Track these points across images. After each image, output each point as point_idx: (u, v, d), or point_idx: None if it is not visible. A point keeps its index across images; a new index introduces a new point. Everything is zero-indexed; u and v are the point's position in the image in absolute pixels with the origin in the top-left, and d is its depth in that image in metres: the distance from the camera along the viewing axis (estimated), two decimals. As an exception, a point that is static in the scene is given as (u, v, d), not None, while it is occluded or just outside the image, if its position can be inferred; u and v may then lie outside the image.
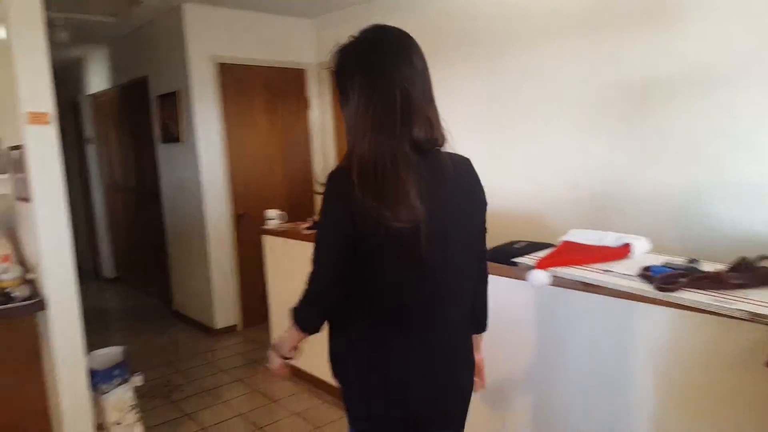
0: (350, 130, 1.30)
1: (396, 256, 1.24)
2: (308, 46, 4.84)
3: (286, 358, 1.46)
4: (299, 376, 3.41)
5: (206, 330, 4.53)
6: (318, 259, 1.30)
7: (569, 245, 2.13)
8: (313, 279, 1.32)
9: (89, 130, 6.45)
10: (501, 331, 2.20)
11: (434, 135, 1.28)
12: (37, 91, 2.38)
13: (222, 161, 4.38)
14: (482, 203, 1.42)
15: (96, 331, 4.73)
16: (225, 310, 4.50)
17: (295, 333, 1.38)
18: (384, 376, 1.32)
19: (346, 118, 1.32)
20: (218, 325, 4.46)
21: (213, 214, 4.36)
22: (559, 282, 1.97)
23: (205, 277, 4.43)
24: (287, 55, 4.72)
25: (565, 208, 3.19)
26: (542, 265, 1.99)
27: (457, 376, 1.41)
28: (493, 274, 2.19)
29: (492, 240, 2.62)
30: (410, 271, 1.27)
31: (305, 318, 1.36)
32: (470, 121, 3.66)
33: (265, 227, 3.56)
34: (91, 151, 6.48)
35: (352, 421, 1.41)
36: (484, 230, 1.48)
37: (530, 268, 2.01)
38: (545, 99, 3.26)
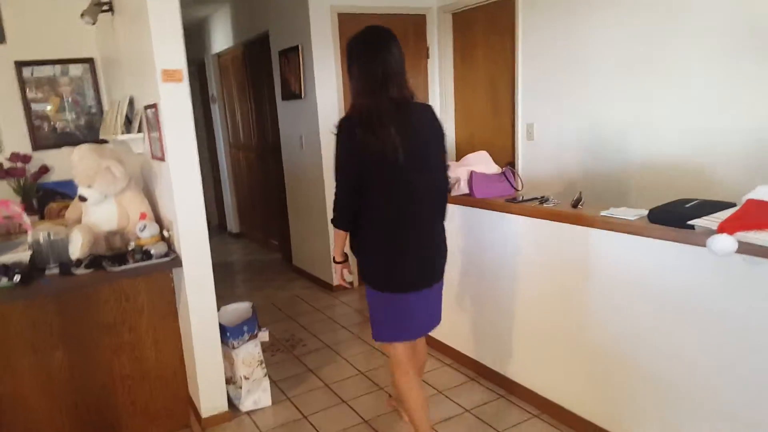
0: (353, 93, 2.07)
1: (384, 170, 1.95)
2: (428, -11, 4.56)
3: (339, 262, 2.22)
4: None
5: (326, 286, 4.59)
6: (338, 178, 2.04)
7: (758, 204, 1.77)
8: (337, 193, 2.05)
9: (214, 88, 6.68)
10: (677, 309, 1.93)
11: (404, 94, 2.03)
12: (170, 49, 2.39)
13: (339, 116, 4.30)
14: (439, 131, 2.12)
15: (222, 286, 4.99)
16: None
17: (336, 234, 2.14)
18: (383, 255, 2.07)
19: (351, 85, 2.07)
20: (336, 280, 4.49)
21: (332, 171, 4.32)
22: (749, 249, 1.65)
23: (324, 233, 4.46)
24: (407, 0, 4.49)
25: (740, 161, 2.75)
26: (727, 228, 1.67)
27: (433, 254, 2.14)
28: (658, 237, 1.90)
29: (653, 198, 2.35)
30: (394, 180, 1.97)
31: (336, 219, 2.09)
32: (610, 63, 3.26)
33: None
34: (216, 110, 6.73)
35: (365, 280, 2.16)
36: (444, 151, 2.15)
37: (711, 232, 1.71)
38: (705, 31, 2.79)
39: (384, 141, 1.91)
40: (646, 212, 2.07)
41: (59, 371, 2.47)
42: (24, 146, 3.73)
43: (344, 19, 4.25)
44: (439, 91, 4.72)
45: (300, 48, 4.30)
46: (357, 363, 3.20)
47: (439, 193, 2.12)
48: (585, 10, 3.38)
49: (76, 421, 2.54)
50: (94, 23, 2.98)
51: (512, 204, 2.60)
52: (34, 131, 3.79)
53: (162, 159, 2.51)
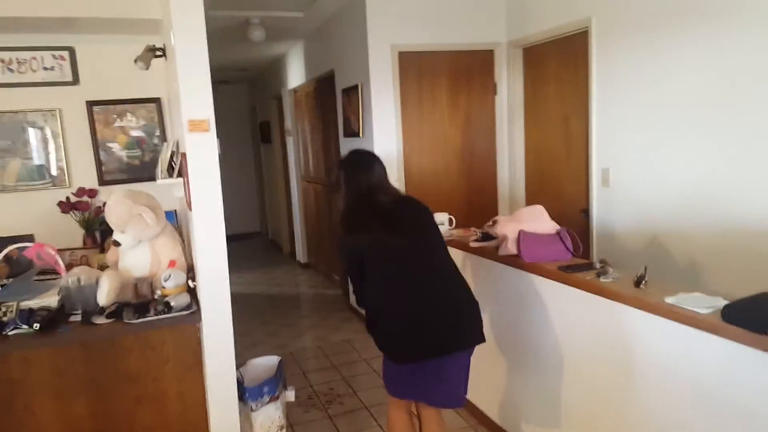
0: (344, 203, 2.36)
1: (380, 256, 2.20)
2: (497, 23, 4.31)
3: None
4: (467, 410, 3.03)
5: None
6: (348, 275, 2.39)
7: None
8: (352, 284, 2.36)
9: (289, 122, 6.79)
10: (742, 421, 1.56)
11: (390, 196, 2.30)
12: (197, 99, 2.33)
13: (397, 157, 4.15)
14: (426, 212, 2.33)
15: (278, 321, 4.96)
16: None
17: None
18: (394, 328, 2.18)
19: (341, 198, 2.40)
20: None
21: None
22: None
23: (379, 277, 4.28)
24: (473, 36, 4.27)
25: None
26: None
27: (460, 314, 2.19)
28: (731, 339, 1.51)
29: (739, 277, 1.95)
30: (391, 261, 2.19)
31: (359, 302, 2.35)
32: (697, 104, 2.86)
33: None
34: (291, 143, 6.82)
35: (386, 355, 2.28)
36: (435, 227, 2.33)
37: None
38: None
39: (371, 233, 2.19)
40: (721, 303, 1.69)
41: (81, 419, 2.45)
42: (91, 181, 3.89)
43: (405, 58, 4.11)
44: (507, 129, 4.43)
45: (360, 87, 4.21)
46: (393, 429, 2.95)
47: (440, 259, 2.26)
48: (667, 43, 2.99)
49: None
50: (147, 68, 3.04)
51: (564, 273, 2.28)
52: (101, 167, 3.95)
53: (189, 207, 2.46)
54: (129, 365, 2.50)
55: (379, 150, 4.10)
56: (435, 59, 4.21)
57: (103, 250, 3.62)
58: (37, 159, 3.84)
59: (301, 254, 6.98)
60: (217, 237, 2.40)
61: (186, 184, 2.59)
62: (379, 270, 2.17)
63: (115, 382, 2.48)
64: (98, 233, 3.89)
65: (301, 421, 3.05)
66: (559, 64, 3.91)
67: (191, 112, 2.32)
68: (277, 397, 2.57)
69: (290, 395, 2.63)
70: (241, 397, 2.52)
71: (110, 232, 3.79)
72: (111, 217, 2.61)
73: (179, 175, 2.84)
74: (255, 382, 2.57)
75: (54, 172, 3.89)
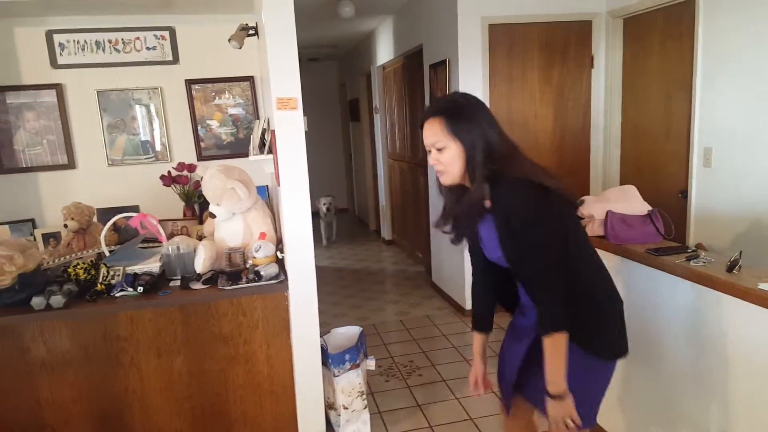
0: (496, 154, 1.58)
1: (582, 230, 1.82)
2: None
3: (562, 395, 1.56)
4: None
5: (459, 309, 4.40)
6: (548, 266, 1.60)
7: None
8: (550, 286, 1.60)
9: (377, 99, 6.84)
10: None
11: None
12: (286, 77, 2.42)
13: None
14: None
15: (361, 295, 5.08)
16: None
17: (558, 349, 1.53)
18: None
19: (484, 144, 1.57)
20: (468, 306, 4.27)
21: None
22: None
23: (459, 254, 4.26)
24: (569, 5, 4.06)
25: None
26: None
27: None
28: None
29: None
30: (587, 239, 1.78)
31: (559, 319, 1.58)
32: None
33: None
34: (378, 120, 6.88)
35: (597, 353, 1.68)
36: None
37: None
38: None
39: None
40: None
41: (179, 376, 2.67)
42: (190, 157, 4.16)
43: (495, 31, 4.00)
44: (604, 106, 4.21)
45: (447, 62, 4.15)
46: (469, 407, 2.97)
47: None
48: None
49: (192, 424, 2.72)
50: (240, 47, 3.17)
51: (652, 256, 2.16)
52: (199, 143, 4.20)
53: (278, 182, 2.56)
54: (222, 328, 2.68)
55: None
56: (527, 31, 4.06)
57: (201, 222, 3.87)
58: (142, 135, 4.15)
59: (385, 231, 7.08)
60: (303, 210, 2.49)
61: (275, 161, 2.70)
62: (587, 249, 1.67)
63: (209, 343, 2.67)
64: (197, 206, 4.16)
65: (381, 389, 3.14)
66: (663, 36, 3.64)
67: (280, 90, 2.40)
68: (358, 365, 2.66)
69: (371, 364, 2.71)
70: (325, 362, 2.63)
71: (208, 205, 4.06)
72: (207, 190, 2.78)
73: (269, 151, 2.97)
74: (338, 349, 2.67)
75: (157, 147, 4.19)
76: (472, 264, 1.87)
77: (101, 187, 4.03)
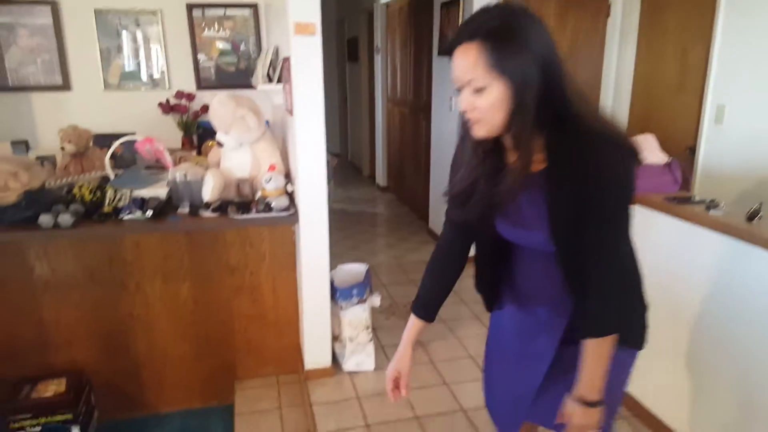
0: (557, 99, 1.12)
1: None
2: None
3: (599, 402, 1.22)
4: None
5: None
6: (620, 246, 1.21)
7: None
8: (620, 270, 1.23)
9: (379, 39, 6.65)
10: None
11: None
12: (305, 1, 2.31)
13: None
14: None
15: (357, 237, 5.09)
16: (476, 240, 4.30)
17: (604, 351, 1.19)
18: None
19: (538, 85, 1.09)
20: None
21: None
22: None
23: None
24: (589, -48, 3.93)
25: None
26: None
27: None
28: None
29: None
30: None
31: (627, 315, 1.30)
32: None
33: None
34: (379, 61, 6.71)
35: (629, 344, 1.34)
36: None
37: None
38: None
39: None
40: None
41: (185, 302, 2.66)
42: (189, 85, 4.03)
43: (512, -29, 3.85)
44: (617, 57, 4.14)
45: (461, 2, 4.02)
46: (469, 345, 3.03)
47: None
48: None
49: (197, 351, 2.73)
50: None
51: (671, 204, 2.17)
52: (198, 72, 4.06)
53: (290, 113, 2.49)
54: (229, 258, 2.66)
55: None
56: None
57: (200, 153, 3.78)
58: (141, 60, 4.00)
59: (381, 177, 7.03)
60: (317, 141, 2.44)
61: (287, 90, 2.62)
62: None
63: (216, 272, 2.66)
64: (196, 137, 4.06)
65: (382, 326, 3.18)
66: (685, -15, 3.55)
67: (298, 15, 2.30)
68: (365, 300, 2.68)
69: (376, 300, 2.73)
70: (332, 296, 2.64)
71: (208, 136, 3.96)
72: (214, 118, 2.70)
73: (279, 80, 2.88)
74: (344, 285, 2.67)
75: (155, 74, 4.05)
76: (444, 228, 1.41)
77: (97, 111, 3.91)
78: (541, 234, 1.17)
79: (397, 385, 1.42)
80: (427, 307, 1.44)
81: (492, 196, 1.18)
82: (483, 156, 1.19)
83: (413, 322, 1.44)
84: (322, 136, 2.44)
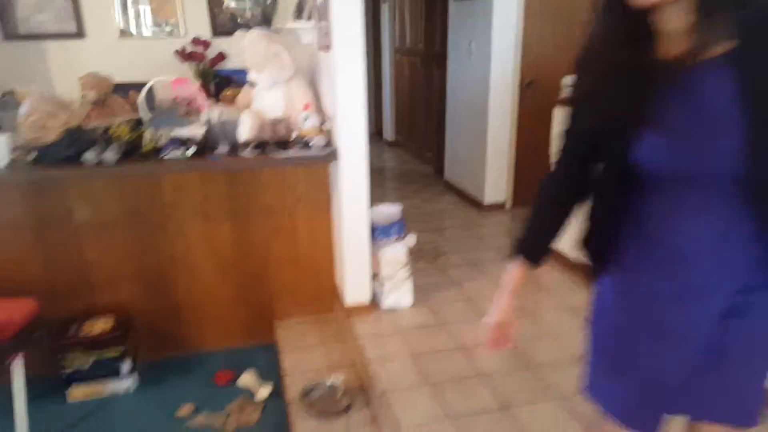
0: None
1: None
2: None
3: None
4: (566, 265, 3.10)
5: (474, 203, 4.46)
6: None
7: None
8: None
9: (385, -12, 6.51)
10: None
11: None
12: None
13: (517, 21, 3.93)
14: None
15: (372, 191, 5.08)
16: (495, 186, 4.32)
17: None
18: None
19: None
20: (487, 200, 4.34)
21: (498, 83, 4.04)
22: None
23: (480, 149, 4.26)
24: None
25: None
26: None
27: None
28: None
29: None
30: None
31: None
32: None
33: (560, 97, 3.12)
34: (386, 10, 6.58)
35: None
36: None
37: None
38: None
39: None
40: None
41: (224, 243, 2.67)
42: (204, 32, 3.95)
43: None
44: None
45: (481, -59, 3.93)
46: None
47: None
48: None
49: (236, 291, 2.77)
50: None
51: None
52: (214, 18, 3.98)
53: (327, 49, 2.46)
54: (267, 199, 2.67)
55: (498, 13, 3.89)
56: None
57: (218, 101, 3.74)
58: (155, 6, 3.91)
59: (389, 132, 6.99)
60: (358, 77, 2.41)
61: (322, 27, 2.58)
62: None
63: (254, 213, 2.67)
64: (213, 85, 4.01)
65: (413, 269, 3.21)
66: None
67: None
68: (402, 239, 2.70)
69: (412, 240, 2.75)
70: (371, 234, 2.66)
71: (225, 85, 3.91)
72: (248, 56, 2.66)
73: (309, 18, 2.83)
74: (381, 224, 2.69)
75: (171, 21, 3.96)
76: (560, 159, 1.16)
77: (112, 59, 3.84)
78: (730, 143, 0.86)
79: (498, 336, 1.29)
80: (536, 248, 1.23)
81: (644, 87, 0.91)
82: (630, 37, 0.92)
83: (516, 267, 1.24)
84: (362, 71, 2.41)
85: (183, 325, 2.74)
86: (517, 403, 2.05)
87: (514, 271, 1.25)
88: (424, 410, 2.01)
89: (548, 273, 3.15)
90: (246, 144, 2.51)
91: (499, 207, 4.36)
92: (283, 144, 2.54)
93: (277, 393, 2.46)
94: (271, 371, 2.60)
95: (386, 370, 2.24)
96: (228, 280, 2.73)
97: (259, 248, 2.73)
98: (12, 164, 2.27)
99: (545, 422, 1.96)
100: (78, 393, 2.44)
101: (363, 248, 2.63)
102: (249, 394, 2.48)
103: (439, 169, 5.26)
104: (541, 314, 2.72)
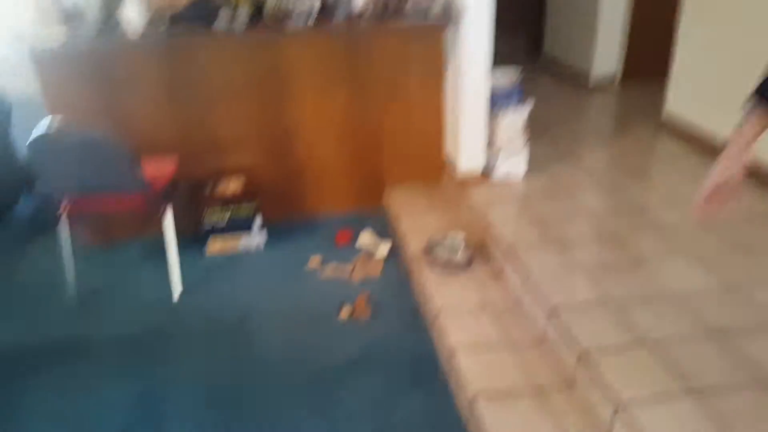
0: None
1: None
2: None
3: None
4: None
5: (578, 77, 4.25)
6: None
7: None
8: None
9: None
10: None
11: None
12: None
13: None
14: None
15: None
16: (605, 57, 4.07)
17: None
18: None
19: None
20: (594, 74, 4.12)
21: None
22: None
23: (590, 19, 3.97)
24: None
25: None
26: None
27: None
28: None
29: None
30: None
31: None
32: None
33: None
34: None
35: None
36: None
37: None
38: None
39: None
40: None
41: (341, 111, 2.72)
42: None
43: None
44: None
45: None
46: (616, 153, 2.99)
47: None
48: None
49: (351, 158, 2.85)
50: None
51: None
52: None
53: None
54: (382, 68, 2.66)
55: None
56: None
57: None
58: None
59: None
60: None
61: None
62: None
63: (370, 82, 2.68)
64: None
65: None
66: None
67: None
68: (521, 104, 2.64)
69: (529, 106, 2.68)
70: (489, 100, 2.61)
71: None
72: None
73: None
74: (500, 89, 2.63)
75: None
76: None
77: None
78: None
79: (714, 197, 1.16)
80: None
81: None
82: None
83: (757, 115, 1.09)
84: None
85: (303, 190, 2.87)
86: (647, 258, 2.06)
87: (754, 119, 1.10)
88: (553, 264, 2.06)
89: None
90: (362, 13, 2.46)
91: (606, 82, 4.13)
92: (399, 12, 2.47)
93: (394, 252, 2.59)
94: (384, 234, 2.71)
95: (510, 231, 2.29)
96: (343, 147, 2.80)
97: (373, 117, 2.75)
98: (146, 32, 2.34)
99: (673, 274, 1.96)
100: (215, 247, 2.66)
101: (481, 114, 2.60)
102: (368, 252, 2.62)
103: (537, 42, 4.98)
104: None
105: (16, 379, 1.97)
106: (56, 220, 2.25)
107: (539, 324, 1.90)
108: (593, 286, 1.91)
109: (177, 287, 2.36)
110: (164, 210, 2.26)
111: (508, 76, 2.70)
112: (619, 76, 4.12)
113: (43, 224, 2.94)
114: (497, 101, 2.61)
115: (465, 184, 2.71)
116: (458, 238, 2.39)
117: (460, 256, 2.32)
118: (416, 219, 2.67)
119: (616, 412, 1.46)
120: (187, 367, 2.00)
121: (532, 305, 1.95)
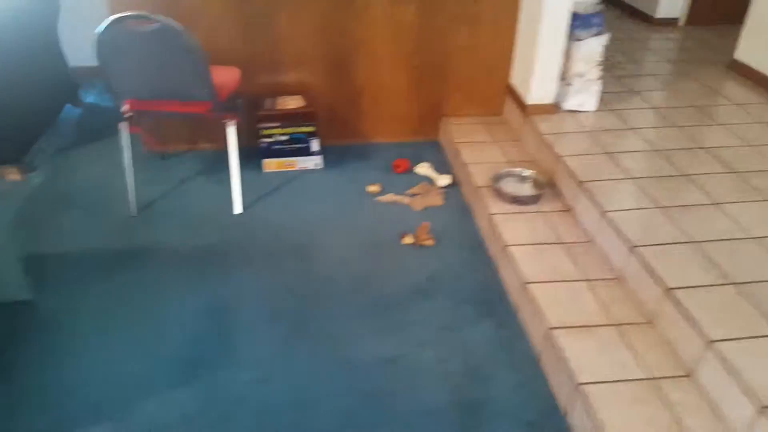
0: None
1: None
2: None
3: None
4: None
5: (643, 17, 4.03)
6: None
7: None
8: None
9: None
10: None
11: None
12: None
13: None
14: None
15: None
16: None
17: None
18: None
19: None
20: (658, 14, 3.90)
21: None
22: None
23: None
24: None
25: None
26: None
27: None
28: None
29: None
30: None
31: None
32: None
33: None
34: None
35: None
36: None
37: None
38: None
39: None
40: None
41: (407, 28, 2.58)
42: None
43: None
44: None
45: None
46: (690, 96, 2.84)
47: None
48: None
49: (411, 83, 2.73)
50: None
51: None
52: None
53: None
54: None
55: None
56: None
57: None
58: None
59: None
60: None
61: None
62: None
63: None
64: None
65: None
66: None
67: None
68: (601, 33, 2.49)
69: (607, 37, 2.53)
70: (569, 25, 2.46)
71: None
72: None
73: None
74: (581, 13, 2.47)
75: None
76: None
77: None
78: None
79: None
80: None
81: None
82: None
83: None
84: None
85: (360, 115, 2.78)
86: (726, 201, 1.97)
87: None
88: (630, 200, 1.98)
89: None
90: None
91: (671, 23, 3.92)
92: None
93: (453, 184, 2.52)
94: (440, 166, 2.63)
95: (582, 165, 2.20)
96: (406, 68, 2.69)
97: (440, 35, 2.62)
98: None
99: (753, 216, 1.89)
100: (272, 165, 2.60)
101: (560, 38, 2.45)
102: (428, 180, 2.55)
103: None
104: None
105: (77, 284, 1.96)
106: (111, 127, 2.19)
107: (616, 260, 1.84)
108: (672, 226, 1.84)
109: (238, 201, 2.32)
110: (229, 121, 2.19)
111: (590, 4, 2.54)
112: (684, 19, 3.90)
113: (92, 130, 2.89)
114: (580, 25, 2.45)
115: (531, 116, 2.59)
116: (526, 171, 2.31)
117: (528, 189, 2.25)
118: (478, 150, 2.58)
119: (706, 348, 1.42)
120: (251, 282, 1.98)
121: (609, 241, 1.88)
